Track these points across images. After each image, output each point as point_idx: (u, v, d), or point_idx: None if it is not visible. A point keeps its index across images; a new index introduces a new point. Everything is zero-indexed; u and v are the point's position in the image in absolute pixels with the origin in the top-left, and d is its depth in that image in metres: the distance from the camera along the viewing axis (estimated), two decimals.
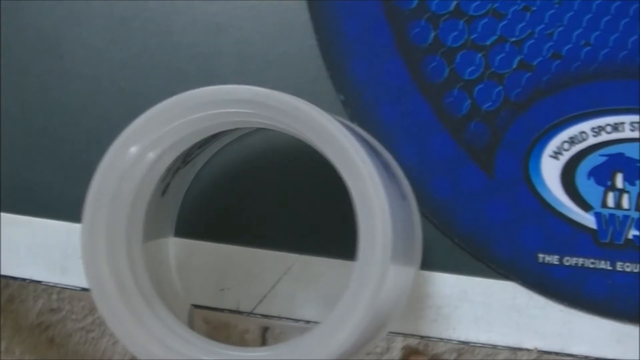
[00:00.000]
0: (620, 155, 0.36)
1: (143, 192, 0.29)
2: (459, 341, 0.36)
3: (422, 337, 0.37)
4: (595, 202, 0.36)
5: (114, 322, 0.27)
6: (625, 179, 0.36)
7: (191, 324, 0.37)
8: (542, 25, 0.37)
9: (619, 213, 0.36)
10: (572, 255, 0.36)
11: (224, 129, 0.29)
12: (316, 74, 0.38)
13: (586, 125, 0.37)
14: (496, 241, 0.37)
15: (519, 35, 0.37)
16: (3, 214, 0.40)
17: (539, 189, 0.37)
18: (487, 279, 0.37)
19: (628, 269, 0.36)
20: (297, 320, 0.37)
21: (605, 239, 0.36)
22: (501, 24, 0.37)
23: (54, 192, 0.40)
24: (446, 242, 0.37)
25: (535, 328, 0.36)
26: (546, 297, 0.37)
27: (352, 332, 0.23)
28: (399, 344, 0.99)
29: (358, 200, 0.24)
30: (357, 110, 0.38)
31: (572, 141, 0.37)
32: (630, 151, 0.36)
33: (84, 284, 0.39)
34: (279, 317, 0.37)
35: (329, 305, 0.37)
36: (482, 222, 0.37)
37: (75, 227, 0.39)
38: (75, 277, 0.39)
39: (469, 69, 0.37)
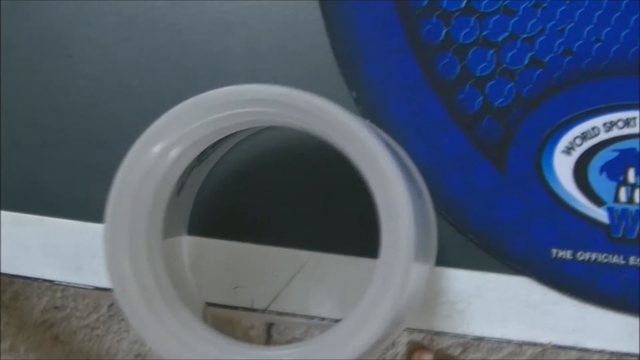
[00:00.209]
0: (632, 150, 0.37)
1: (163, 190, 0.29)
2: (474, 337, 0.37)
3: (436, 332, 0.37)
4: (607, 197, 0.37)
5: (137, 323, 0.27)
6: (637, 174, 0.36)
7: (205, 322, 0.37)
8: (553, 22, 0.37)
9: (631, 208, 0.36)
10: (585, 250, 0.37)
11: (244, 128, 0.29)
12: (328, 72, 0.38)
13: (598, 121, 0.37)
14: (509, 237, 0.37)
15: (530, 32, 0.37)
16: (15, 214, 0.40)
17: (552, 185, 0.37)
18: (500, 275, 0.37)
19: None
20: (312, 318, 0.38)
21: (618, 233, 0.37)
22: (512, 21, 0.37)
23: (65, 191, 0.40)
24: (460, 239, 0.37)
25: (549, 323, 0.36)
26: (560, 292, 0.37)
27: (376, 330, 0.24)
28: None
29: (382, 199, 0.24)
30: (369, 107, 0.38)
31: (584, 137, 0.37)
32: None
33: (98, 283, 0.39)
34: (293, 315, 0.38)
35: (343, 302, 0.37)
36: (495, 218, 0.37)
37: (88, 226, 0.39)
38: (88, 276, 0.40)
39: (481, 66, 0.37)
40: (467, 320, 0.37)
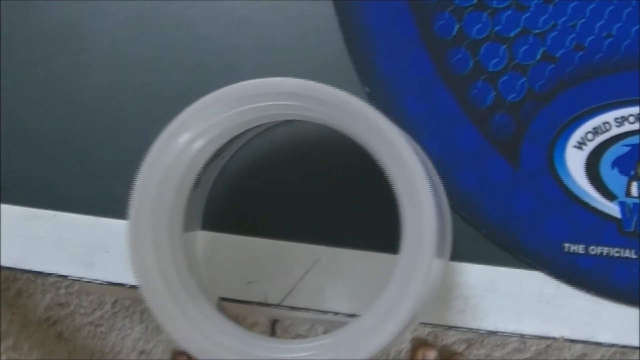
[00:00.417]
0: None
1: (185, 183, 0.29)
2: (487, 331, 0.37)
3: (450, 327, 0.37)
4: (619, 191, 0.37)
5: (163, 317, 0.27)
6: None
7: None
8: (565, 17, 0.37)
9: None
10: (597, 244, 0.37)
11: (265, 122, 0.29)
12: (341, 67, 0.38)
13: (609, 116, 0.37)
14: (523, 232, 0.37)
15: (542, 27, 0.37)
16: (29, 209, 0.40)
17: (564, 180, 0.37)
18: (514, 269, 0.37)
19: None
20: (325, 312, 0.38)
21: (630, 228, 0.37)
22: (524, 16, 0.37)
23: (78, 187, 0.40)
24: (473, 234, 0.37)
25: (562, 317, 0.37)
26: (572, 286, 0.37)
27: (402, 322, 0.24)
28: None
29: (405, 194, 0.24)
30: (382, 102, 0.38)
31: (595, 132, 0.37)
32: None
33: (110, 279, 0.39)
34: (307, 309, 0.38)
35: (356, 296, 0.37)
36: (509, 213, 0.37)
37: (101, 221, 0.39)
38: (101, 271, 0.40)
39: (493, 61, 0.37)
40: (481, 314, 0.37)
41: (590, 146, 0.37)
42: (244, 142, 0.38)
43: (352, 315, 0.37)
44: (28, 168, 0.40)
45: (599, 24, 0.37)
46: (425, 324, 0.37)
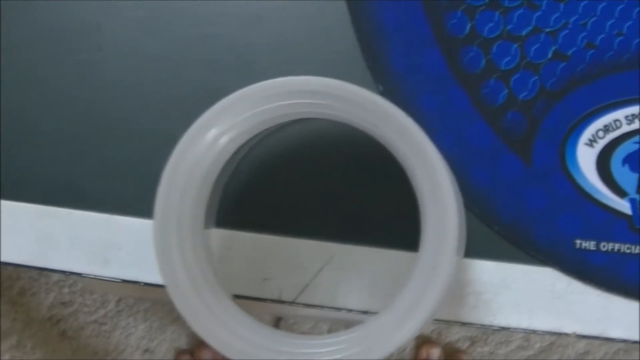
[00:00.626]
0: None
1: (208, 179, 0.29)
2: (500, 327, 0.37)
3: (463, 323, 0.37)
4: (630, 188, 0.37)
5: (189, 314, 0.27)
6: None
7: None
8: (576, 16, 0.38)
9: None
10: (608, 241, 0.37)
11: (287, 120, 0.29)
12: (354, 65, 0.38)
13: (620, 114, 0.37)
14: (534, 228, 0.37)
15: (554, 26, 0.38)
16: (43, 207, 0.40)
17: (575, 177, 0.37)
18: (526, 266, 0.37)
19: None
20: (340, 309, 0.38)
21: None
22: (536, 15, 0.38)
23: (93, 184, 0.40)
24: (486, 230, 0.37)
25: (574, 313, 0.37)
26: (584, 283, 0.37)
27: (422, 320, 0.24)
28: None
29: (429, 191, 0.25)
30: (395, 100, 0.38)
31: (606, 129, 0.37)
32: None
33: (125, 276, 0.40)
34: (322, 307, 0.38)
35: (371, 293, 0.38)
36: (521, 210, 0.38)
37: (116, 219, 0.40)
38: (116, 269, 0.40)
39: (505, 59, 0.38)
40: (493, 311, 0.37)
41: (601, 143, 0.37)
42: (257, 141, 0.38)
43: (365, 312, 0.38)
44: (42, 166, 0.40)
45: (609, 23, 0.37)
46: (438, 320, 0.37)
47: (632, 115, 0.37)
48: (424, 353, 0.97)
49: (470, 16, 0.38)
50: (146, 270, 0.39)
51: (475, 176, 0.38)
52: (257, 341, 0.27)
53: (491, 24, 0.38)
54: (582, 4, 0.38)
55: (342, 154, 0.38)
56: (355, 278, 0.38)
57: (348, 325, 0.30)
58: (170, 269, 0.28)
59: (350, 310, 0.38)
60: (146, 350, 1.05)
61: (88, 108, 0.40)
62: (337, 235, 0.38)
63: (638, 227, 0.37)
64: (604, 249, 0.37)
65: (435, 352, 0.97)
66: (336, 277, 0.38)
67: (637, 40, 0.37)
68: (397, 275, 0.37)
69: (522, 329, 0.37)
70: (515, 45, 0.38)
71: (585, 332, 0.37)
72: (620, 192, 0.37)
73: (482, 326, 0.37)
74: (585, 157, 0.37)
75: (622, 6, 0.37)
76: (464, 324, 0.37)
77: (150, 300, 1.04)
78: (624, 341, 0.37)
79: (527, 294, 0.37)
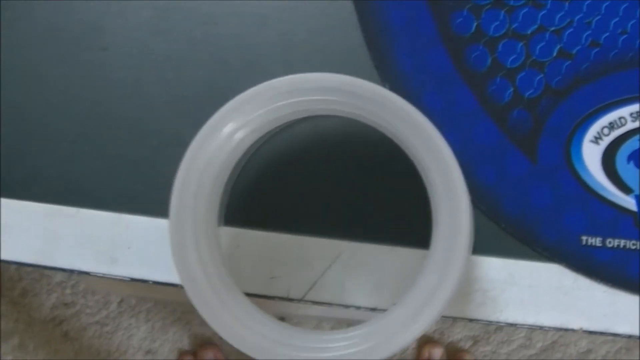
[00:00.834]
0: None
1: (221, 176, 0.29)
2: (507, 323, 0.37)
3: (470, 320, 0.38)
4: (635, 185, 0.37)
5: (209, 315, 0.28)
6: None
7: None
8: (581, 15, 0.38)
9: None
10: (614, 237, 0.37)
11: (300, 117, 0.30)
12: (361, 64, 0.39)
13: (625, 111, 0.38)
14: (541, 225, 0.38)
15: (559, 24, 0.38)
16: (51, 206, 0.40)
17: (581, 174, 0.38)
18: (532, 262, 0.38)
19: None
20: (347, 307, 0.38)
21: None
22: (541, 14, 0.38)
23: (100, 183, 0.40)
24: (492, 227, 0.38)
25: (580, 309, 0.37)
26: (590, 279, 0.38)
27: (435, 316, 0.24)
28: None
29: (443, 187, 0.25)
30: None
31: (611, 126, 0.38)
32: None
33: (133, 275, 0.40)
34: (330, 304, 0.38)
35: (378, 290, 0.38)
36: (527, 207, 0.38)
37: (123, 217, 0.40)
38: (124, 267, 0.40)
39: (511, 58, 0.38)
40: (500, 307, 0.38)
41: (606, 141, 0.38)
42: (265, 139, 0.38)
43: (373, 309, 0.38)
44: (50, 165, 0.40)
45: (613, 21, 0.38)
46: (445, 317, 0.37)
47: (637, 112, 0.38)
48: (426, 353, 0.98)
49: (475, 15, 0.38)
50: (154, 268, 0.40)
51: (482, 174, 0.38)
52: (271, 336, 0.28)
53: (497, 23, 0.38)
54: (587, 3, 0.38)
55: (348, 153, 0.38)
56: (362, 275, 0.38)
57: (350, 325, 0.31)
58: (186, 265, 0.28)
59: (358, 308, 0.38)
60: (148, 351, 1.05)
61: (94, 108, 0.40)
62: (344, 233, 0.38)
63: None
64: (610, 245, 0.38)
65: (438, 351, 0.98)
66: (344, 275, 0.38)
67: None
68: (404, 272, 0.37)
69: (529, 325, 0.37)
70: (521, 44, 0.38)
71: (592, 328, 0.37)
72: (625, 189, 0.37)
73: (489, 322, 0.37)
74: (591, 154, 0.38)
75: (626, 5, 0.38)
76: (470, 320, 0.37)
77: (152, 300, 1.04)
78: (630, 337, 0.37)
79: (534, 290, 0.37)
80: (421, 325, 0.25)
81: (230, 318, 0.28)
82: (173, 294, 0.98)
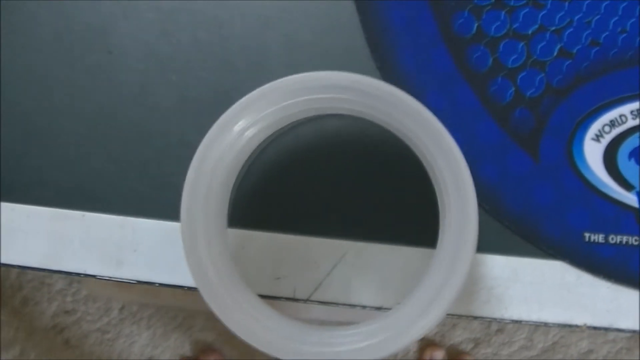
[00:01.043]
0: None
1: (231, 176, 0.30)
2: (511, 320, 0.38)
3: (475, 317, 0.38)
4: (636, 181, 0.38)
5: (223, 314, 0.28)
6: None
7: None
8: (580, 14, 0.38)
9: None
10: (616, 233, 0.38)
11: (309, 115, 0.30)
12: (364, 64, 0.39)
13: (625, 109, 0.38)
14: (544, 223, 0.38)
15: (559, 24, 0.38)
16: (57, 209, 0.41)
17: (583, 171, 0.38)
18: (536, 259, 0.38)
19: None
20: (353, 306, 0.38)
21: None
22: (541, 14, 0.38)
23: (106, 186, 0.40)
24: (496, 225, 0.38)
25: (584, 305, 0.38)
26: (593, 275, 0.38)
27: (442, 314, 0.24)
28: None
29: (452, 184, 0.25)
30: None
31: (612, 124, 0.38)
32: None
33: (139, 277, 0.40)
34: (336, 304, 0.38)
35: (384, 289, 0.38)
36: (530, 205, 0.38)
37: (129, 220, 0.40)
38: (130, 270, 0.40)
39: (512, 58, 0.38)
40: (505, 304, 0.38)
41: (607, 138, 0.38)
42: (270, 140, 0.39)
43: (379, 308, 0.38)
44: (56, 168, 0.41)
45: (613, 20, 0.38)
46: (451, 315, 0.38)
47: (637, 110, 0.38)
48: (427, 355, 0.98)
49: (477, 16, 0.39)
50: (160, 270, 0.40)
51: (485, 173, 0.38)
52: (285, 333, 0.28)
53: (497, 23, 0.39)
54: (586, 3, 0.38)
55: (353, 153, 0.39)
56: (368, 275, 0.38)
57: None
58: (199, 266, 0.28)
59: (364, 307, 0.38)
60: (150, 358, 1.05)
61: (100, 110, 0.40)
62: (349, 233, 0.38)
63: None
64: (613, 242, 0.38)
65: (439, 354, 0.98)
66: (349, 274, 0.38)
67: None
68: (409, 272, 0.38)
69: (533, 322, 0.38)
70: (522, 44, 0.38)
71: (596, 324, 0.37)
72: (627, 186, 0.38)
73: (494, 320, 0.38)
74: (592, 152, 0.38)
75: (625, 4, 0.38)
76: (475, 317, 0.38)
77: (154, 306, 1.04)
78: (633, 332, 0.37)
79: (538, 287, 0.38)
80: (431, 320, 0.25)
81: (246, 317, 0.28)
82: (175, 299, 0.97)
